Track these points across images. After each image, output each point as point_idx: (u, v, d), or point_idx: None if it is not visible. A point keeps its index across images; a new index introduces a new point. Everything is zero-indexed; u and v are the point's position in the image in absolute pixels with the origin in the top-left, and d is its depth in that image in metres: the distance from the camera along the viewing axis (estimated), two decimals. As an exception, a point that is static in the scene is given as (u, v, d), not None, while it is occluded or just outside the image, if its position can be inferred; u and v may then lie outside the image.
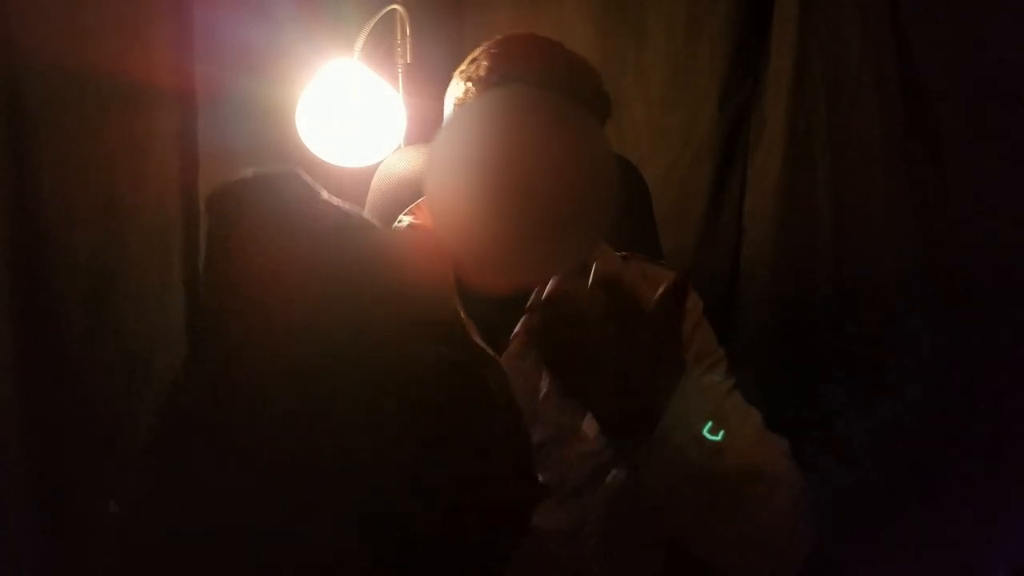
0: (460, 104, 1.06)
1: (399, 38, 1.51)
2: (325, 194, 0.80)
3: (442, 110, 1.10)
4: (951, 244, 1.39)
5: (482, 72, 1.05)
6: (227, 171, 0.74)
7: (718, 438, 1.02)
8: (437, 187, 0.85)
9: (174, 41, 1.26)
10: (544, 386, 1.04)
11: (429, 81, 1.24)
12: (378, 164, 1.41)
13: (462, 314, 0.90)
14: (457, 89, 1.07)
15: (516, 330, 1.06)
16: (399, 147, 1.44)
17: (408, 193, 1.24)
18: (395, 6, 1.49)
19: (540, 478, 0.80)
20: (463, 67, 1.08)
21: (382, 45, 1.52)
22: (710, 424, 0.95)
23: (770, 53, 1.56)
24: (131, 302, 1.39)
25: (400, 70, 1.52)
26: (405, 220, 1.14)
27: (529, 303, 0.98)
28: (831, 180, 1.50)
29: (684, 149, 1.62)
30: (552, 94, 0.92)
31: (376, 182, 1.37)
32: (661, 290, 0.88)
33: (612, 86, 1.09)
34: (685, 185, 1.62)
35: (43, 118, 1.21)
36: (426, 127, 1.52)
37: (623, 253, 1.16)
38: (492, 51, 1.06)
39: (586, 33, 1.64)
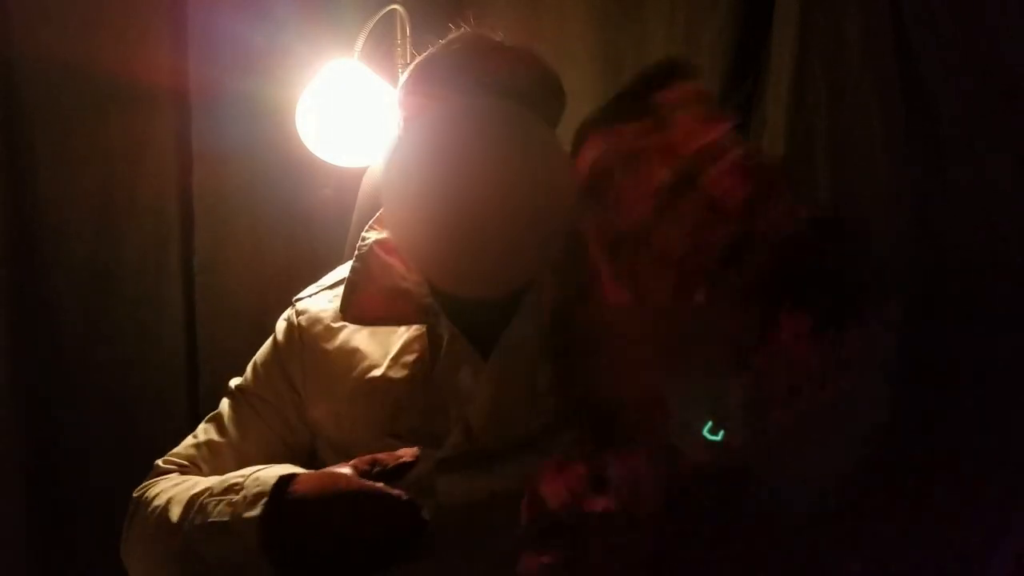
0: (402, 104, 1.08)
1: (399, 38, 1.51)
2: None
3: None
4: (951, 244, 1.39)
5: (417, 82, 1.08)
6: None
7: (718, 438, 1.02)
8: (390, 200, 0.85)
9: (171, 42, 1.26)
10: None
11: (429, 81, 1.24)
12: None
13: None
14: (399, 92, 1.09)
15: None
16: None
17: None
18: (395, 6, 1.49)
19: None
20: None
21: (382, 45, 1.52)
22: (710, 424, 0.94)
23: (770, 53, 1.56)
24: (127, 300, 1.39)
25: (400, 70, 1.52)
26: (371, 237, 1.13)
27: None
28: (831, 180, 1.50)
29: (684, 149, 1.62)
30: (498, 102, 0.92)
31: (365, 185, 1.37)
32: None
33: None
34: (685, 185, 1.61)
35: (40, 118, 1.21)
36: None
37: None
38: (430, 57, 1.09)
39: (586, 33, 1.63)
